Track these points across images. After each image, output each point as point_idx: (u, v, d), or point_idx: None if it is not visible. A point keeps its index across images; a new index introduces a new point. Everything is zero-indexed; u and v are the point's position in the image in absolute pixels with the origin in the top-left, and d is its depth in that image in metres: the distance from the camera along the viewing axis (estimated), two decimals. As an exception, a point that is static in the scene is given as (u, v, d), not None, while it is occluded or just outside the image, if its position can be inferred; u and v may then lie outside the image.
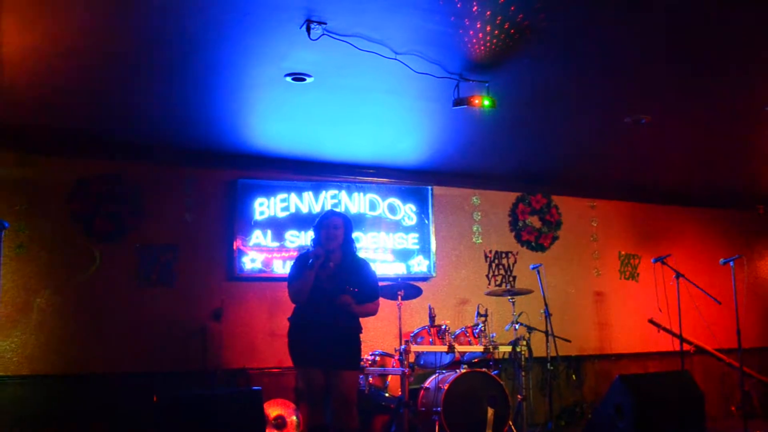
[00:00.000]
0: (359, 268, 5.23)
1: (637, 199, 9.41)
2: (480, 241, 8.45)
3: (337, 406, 5.00)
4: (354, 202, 7.86)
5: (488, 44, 4.89)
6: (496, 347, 6.86)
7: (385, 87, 5.64)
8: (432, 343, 6.80)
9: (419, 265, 8.02)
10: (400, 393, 6.52)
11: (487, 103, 5.40)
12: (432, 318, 6.93)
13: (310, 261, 5.02)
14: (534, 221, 8.74)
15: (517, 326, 6.98)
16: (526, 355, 6.82)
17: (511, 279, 8.45)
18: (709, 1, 4.33)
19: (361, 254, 5.67)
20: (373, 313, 5.34)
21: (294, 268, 5.22)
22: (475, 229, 8.45)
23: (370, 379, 6.75)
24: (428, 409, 6.57)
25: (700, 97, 6.06)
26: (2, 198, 6.60)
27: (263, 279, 7.43)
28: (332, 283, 5.06)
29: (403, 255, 7.98)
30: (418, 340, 6.84)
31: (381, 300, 6.89)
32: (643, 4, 4.31)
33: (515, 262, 8.53)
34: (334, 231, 5.12)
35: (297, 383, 7.20)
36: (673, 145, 7.44)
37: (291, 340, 5.16)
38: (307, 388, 5.04)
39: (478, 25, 4.62)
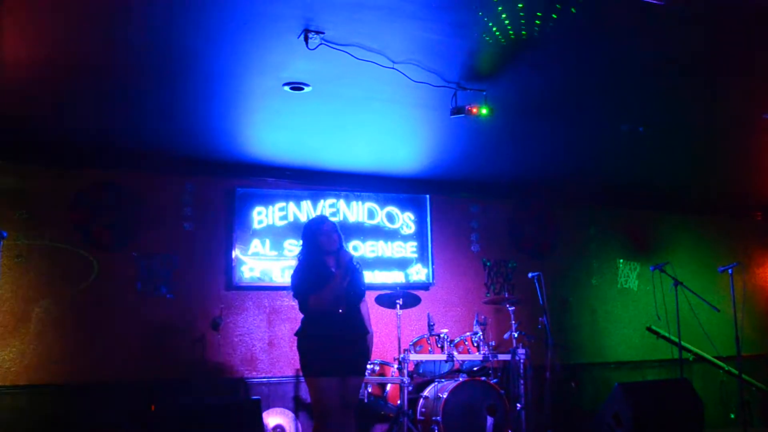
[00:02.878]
0: (355, 271, 5.20)
1: (635, 207, 9.42)
2: (478, 249, 8.46)
3: (342, 411, 4.93)
4: (352, 210, 7.87)
5: (486, 53, 4.91)
6: (495, 355, 6.86)
7: (383, 96, 5.65)
8: (431, 352, 6.80)
9: (418, 273, 8.02)
10: (399, 402, 6.52)
11: (484, 111, 5.41)
12: (431, 326, 6.93)
13: (328, 256, 4.99)
14: (532, 229, 8.75)
15: (516, 334, 6.97)
16: (525, 364, 6.81)
17: (509, 287, 8.44)
18: (706, 10, 4.35)
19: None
20: (368, 311, 5.27)
21: (302, 277, 4.99)
22: (473, 237, 8.46)
23: (370, 387, 6.75)
24: (427, 418, 6.56)
25: (698, 105, 6.07)
26: (1, 208, 6.60)
27: (262, 288, 7.43)
28: (340, 289, 5.00)
29: (402, 263, 7.98)
30: (417, 348, 6.84)
31: (381, 309, 6.95)
32: (641, 14, 4.32)
33: (514, 270, 8.52)
34: (333, 236, 5.08)
35: (297, 392, 7.19)
36: (671, 152, 7.45)
37: (309, 353, 4.93)
38: (322, 397, 4.87)
39: (476, 34, 4.64)
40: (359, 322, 5.10)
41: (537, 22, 4.43)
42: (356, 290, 5.09)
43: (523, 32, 4.56)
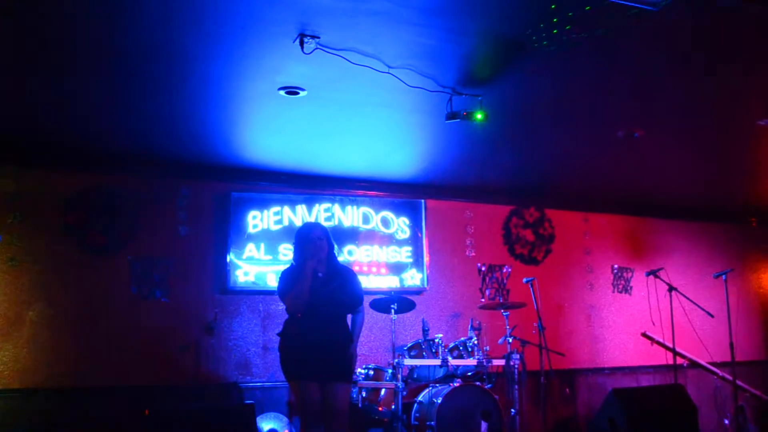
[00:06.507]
0: (346, 275, 5.25)
1: (630, 213, 9.44)
2: (473, 254, 8.46)
3: (329, 418, 4.99)
4: (347, 215, 7.86)
5: (481, 58, 4.92)
6: (489, 361, 6.85)
7: (378, 100, 5.66)
8: (425, 357, 6.79)
9: (412, 278, 8.02)
10: (393, 406, 6.51)
11: (479, 116, 5.42)
12: (425, 331, 6.92)
13: (307, 257, 5.03)
14: (527, 235, 8.76)
15: (510, 340, 6.97)
16: (520, 369, 6.80)
17: (504, 292, 8.45)
18: (700, 16, 4.37)
19: (344, 263, 5.71)
20: (362, 321, 5.35)
21: (284, 279, 5.17)
22: (468, 242, 8.46)
23: (364, 392, 6.74)
24: (422, 423, 6.55)
25: (692, 110, 6.09)
26: (-5, 211, 6.61)
27: (256, 292, 7.41)
28: (323, 294, 5.07)
29: (397, 268, 7.97)
30: (412, 353, 6.83)
31: (375, 314, 6.95)
32: (637, 20, 4.33)
33: (508, 275, 8.53)
34: (320, 242, 5.13)
35: (290, 397, 7.18)
36: (666, 158, 7.47)
37: (284, 355, 5.12)
38: (301, 402, 5.01)
39: (472, 40, 4.64)
40: (342, 329, 5.13)
41: (533, 28, 4.44)
42: (342, 298, 5.12)
43: (519, 38, 4.57)
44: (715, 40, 4.68)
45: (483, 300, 8.26)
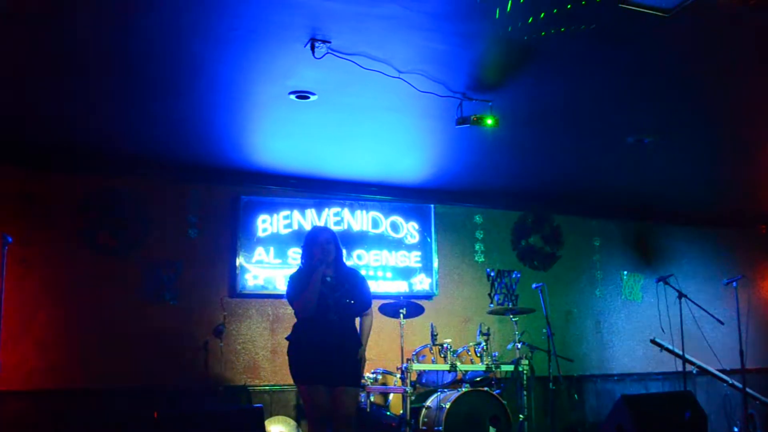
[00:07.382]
0: (354, 279, 5.26)
1: (639, 219, 9.42)
2: (482, 259, 8.45)
3: (337, 422, 4.99)
4: (357, 219, 7.87)
5: (492, 63, 4.92)
6: (498, 366, 6.83)
7: (389, 105, 5.66)
8: (434, 362, 6.78)
9: (421, 283, 8.02)
10: (401, 411, 6.50)
11: (490, 122, 5.42)
12: (434, 336, 6.91)
13: (316, 262, 5.03)
14: (536, 240, 8.75)
15: (519, 345, 6.95)
16: (528, 375, 6.80)
17: (513, 298, 8.43)
18: (711, 23, 4.36)
19: (353, 266, 5.70)
20: (371, 325, 5.35)
21: (293, 283, 5.17)
22: (477, 247, 8.45)
23: (372, 397, 6.74)
24: (430, 428, 6.54)
25: (703, 116, 6.07)
26: (7, 213, 6.61)
27: (265, 296, 7.43)
28: (332, 297, 5.07)
29: (406, 273, 7.98)
30: (420, 358, 6.82)
31: (384, 318, 6.93)
32: (646, 26, 4.33)
33: (518, 281, 8.52)
34: (327, 246, 5.14)
35: (298, 401, 7.18)
36: (675, 165, 7.44)
37: (293, 358, 5.11)
38: (310, 405, 5.01)
39: (482, 45, 4.65)
40: (351, 333, 5.13)
41: (544, 33, 4.44)
42: (351, 301, 5.12)
43: (530, 43, 4.57)
44: (726, 45, 4.67)
45: (492, 305, 8.24)
